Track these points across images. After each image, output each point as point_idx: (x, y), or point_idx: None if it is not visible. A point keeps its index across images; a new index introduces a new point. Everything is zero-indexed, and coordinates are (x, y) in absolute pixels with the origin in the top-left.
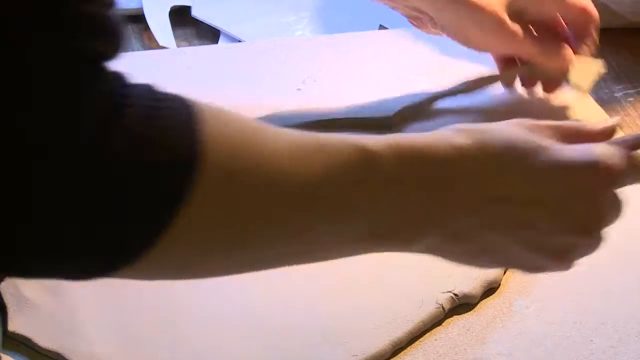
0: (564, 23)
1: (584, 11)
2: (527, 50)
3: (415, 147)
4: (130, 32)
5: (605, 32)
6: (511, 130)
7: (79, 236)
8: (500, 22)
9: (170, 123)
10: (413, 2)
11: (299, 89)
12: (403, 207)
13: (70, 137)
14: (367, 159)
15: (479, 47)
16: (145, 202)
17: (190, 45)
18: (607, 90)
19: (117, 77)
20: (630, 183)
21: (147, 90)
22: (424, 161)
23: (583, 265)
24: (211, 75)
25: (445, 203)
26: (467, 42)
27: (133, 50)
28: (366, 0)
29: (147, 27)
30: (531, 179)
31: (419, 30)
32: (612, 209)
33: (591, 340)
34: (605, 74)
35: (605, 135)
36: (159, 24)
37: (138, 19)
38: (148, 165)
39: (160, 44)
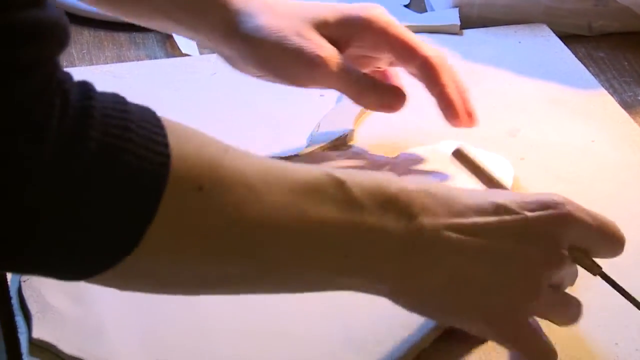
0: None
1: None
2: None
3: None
4: (153, 40)
5: (629, 36)
6: None
7: (51, 245)
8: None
9: (137, 135)
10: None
11: (321, 95)
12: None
13: (35, 152)
14: (337, 185)
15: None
16: (114, 216)
17: (212, 52)
18: (631, 94)
19: (81, 86)
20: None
21: (112, 101)
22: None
23: (606, 267)
24: (234, 82)
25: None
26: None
27: (157, 58)
28: (387, 7)
29: (170, 35)
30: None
31: (441, 36)
32: None
33: (616, 344)
34: (630, 77)
35: None
36: None
37: None
38: (117, 179)
39: (183, 51)
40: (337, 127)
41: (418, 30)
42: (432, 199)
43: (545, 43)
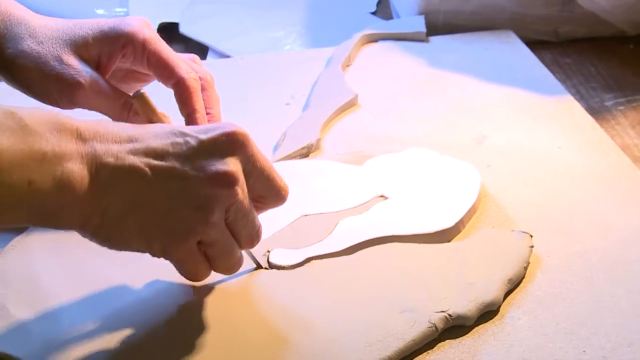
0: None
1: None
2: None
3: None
4: None
5: (596, 41)
6: None
7: None
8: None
9: None
10: None
11: (287, 104)
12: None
13: None
14: (7, 115)
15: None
16: None
17: None
18: (597, 99)
19: None
20: None
21: None
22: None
23: (574, 275)
24: None
25: None
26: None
27: None
28: (353, 14)
29: None
30: None
31: (407, 43)
32: None
33: (583, 351)
34: (596, 83)
35: None
36: None
37: None
38: None
39: None
40: (303, 136)
41: (384, 37)
42: (104, 128)
43: (511, 49)
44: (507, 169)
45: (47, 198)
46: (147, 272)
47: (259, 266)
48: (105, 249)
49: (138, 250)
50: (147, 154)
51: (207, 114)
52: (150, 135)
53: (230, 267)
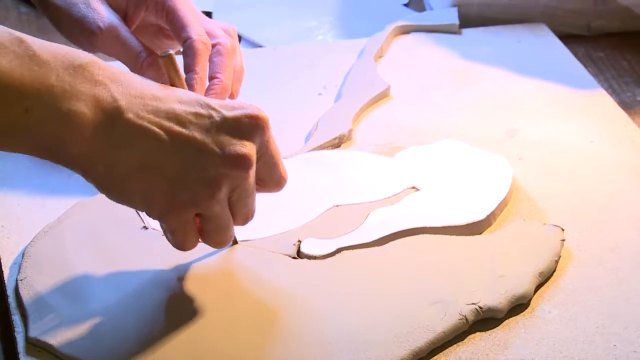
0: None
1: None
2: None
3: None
4: None
5: (628, 36)
6: None
7: None
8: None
9: None
10: None
11: (319, 94)
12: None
13: None
14: (17, 41)
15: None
16: None
17: None
18: (630, 94)
19: None
20: None
21: None
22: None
23: (605, 269)
24: None
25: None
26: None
27: None
28: (386, 5)
29: None
30: None
31: (440, 35)
32: None
33: (614, 345)
34: (629, 77)
35: None
36: None
37: None
38: None
39: None
40: (335, 126)
41: (417, 29)
42: (129, 78)
43: (544, 43)
44: (539, 162)
45: (47, 131)
46: (184, 262)
47: (235, 242)
48: (136, 234)
49: (135, 208)
50: (169, 117)
51: (214, 77)
52: (174, 99)
53: (222, 241)
